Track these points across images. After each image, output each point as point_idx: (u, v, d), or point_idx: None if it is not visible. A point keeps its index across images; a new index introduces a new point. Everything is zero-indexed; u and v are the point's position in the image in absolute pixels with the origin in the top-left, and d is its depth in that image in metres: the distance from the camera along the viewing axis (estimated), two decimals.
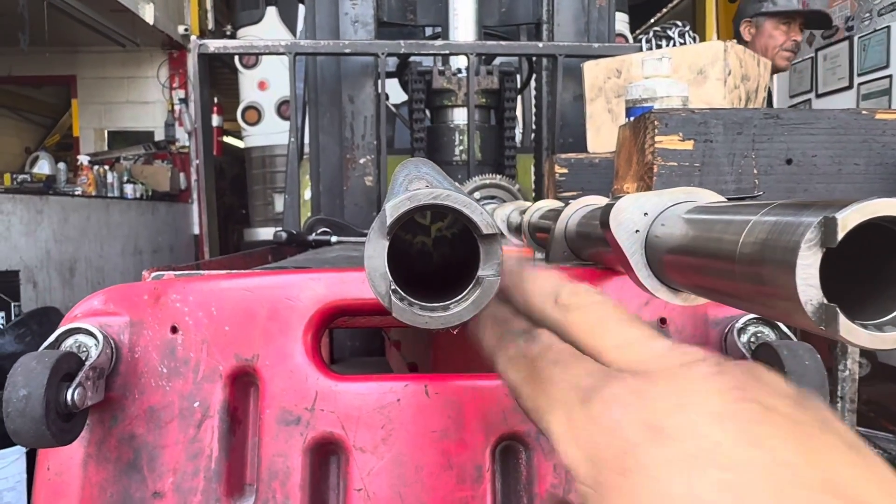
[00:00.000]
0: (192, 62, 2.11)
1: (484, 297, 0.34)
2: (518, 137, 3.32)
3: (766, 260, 0.35)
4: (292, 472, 0.68)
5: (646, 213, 0.53)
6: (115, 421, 0.72)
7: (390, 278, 0.32)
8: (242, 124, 6.36)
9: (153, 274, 0.82)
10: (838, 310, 0.31)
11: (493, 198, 2.14)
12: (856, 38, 4.71)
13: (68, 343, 0.71)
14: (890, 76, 4.43)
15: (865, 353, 3.82)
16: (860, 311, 0.33)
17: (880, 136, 1.04)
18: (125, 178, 6.85)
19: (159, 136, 7.78)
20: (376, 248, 0.32)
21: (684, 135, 1.03)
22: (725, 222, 0.42)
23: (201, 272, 0.82)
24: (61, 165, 6.36)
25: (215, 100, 7.66)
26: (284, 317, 0.71)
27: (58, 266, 5.34)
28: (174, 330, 0.73)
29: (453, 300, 0.34)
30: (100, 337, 0.72)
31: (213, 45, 2.15)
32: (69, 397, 0.64)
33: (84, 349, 0.72)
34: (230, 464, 0.70)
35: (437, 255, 0.61)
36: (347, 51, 2.16)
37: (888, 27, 4.43)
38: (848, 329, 0.31)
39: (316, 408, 0.69)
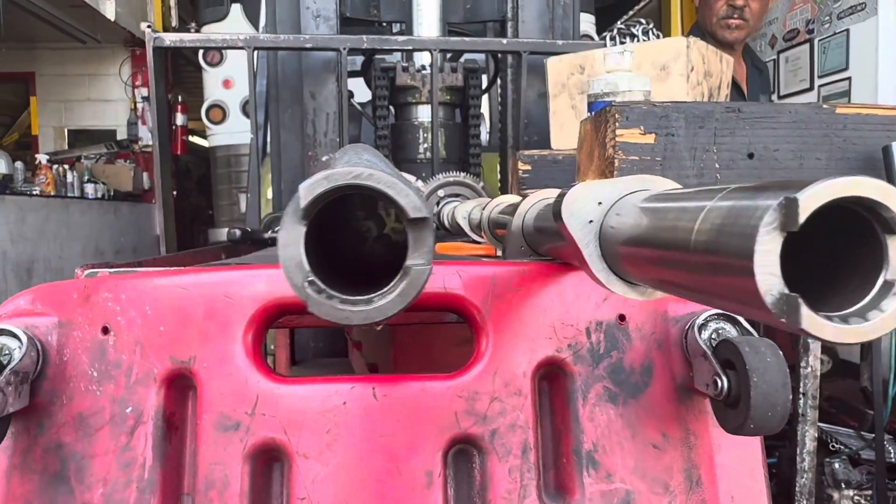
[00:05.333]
0: (148, 56, 2.04)
1: (411, 288, 0.30)
2: (484, 136, 3.29)
3: (722, 247, 0.32)
4: (231, 480, 0.64)
5: (600, 203, 0.50)
6: (42, 429, 0.68)
7: (307, 268, 0.29)
8: (207, 123, 6.24)
9: (87, 271, 0.77)
10: (801, 300, 0.28)
11: (457, 195, 2.10)
12: (816, 41, 4.77)
13: None
14: (849, 78, 4.49)
15: (826, 349, 3.86)
16: (824, 301, 0.30)
17: (841, 131, 1.03)
18: (86, 178, 6.68)
19: (122, 134, 7.61)
20: (291, 235, 0.29)
21: (645, 128, 1.01)
22: (680, 210, 0.39)
23: (138, 269, 0.77)
24: (18, 164, 6.17)
25: (179, 98, 7.52)
26: (223, 316, 0.67)
27: (14, 267, 5.19)
28: (105, 331, 0.68)
29: (377, 293, 0.30)
30: (24, 339, 0.67)
31: (169, 38, 2.09)
32: None
33: (6, 352, 0.67)
34: (165, 473, 0.66)
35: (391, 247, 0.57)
36: (308, 45, 2.11)
37: (847, 30, 4.50)
38: (811, 322, 0.28)
39: (257, 412, 0.65)
